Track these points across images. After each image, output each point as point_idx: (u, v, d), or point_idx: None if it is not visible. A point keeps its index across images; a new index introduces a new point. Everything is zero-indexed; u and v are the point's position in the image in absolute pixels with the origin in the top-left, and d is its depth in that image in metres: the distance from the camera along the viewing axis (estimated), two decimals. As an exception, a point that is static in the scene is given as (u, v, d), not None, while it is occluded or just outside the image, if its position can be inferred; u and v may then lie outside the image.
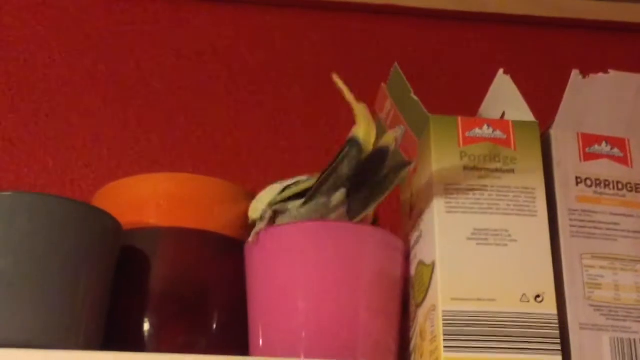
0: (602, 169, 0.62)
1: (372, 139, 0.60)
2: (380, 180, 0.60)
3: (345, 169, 0.60)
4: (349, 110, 0.96)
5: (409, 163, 0.61)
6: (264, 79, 0.99)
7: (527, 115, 0.63)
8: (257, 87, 0.99)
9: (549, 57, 1.04)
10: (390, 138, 0.60)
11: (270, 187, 0.65)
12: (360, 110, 0.60)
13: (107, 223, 0.61)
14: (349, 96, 0.60)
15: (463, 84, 1.00)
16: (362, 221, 0.62)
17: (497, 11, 1.02)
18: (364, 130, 0.60)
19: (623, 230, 0.60)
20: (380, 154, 0.60)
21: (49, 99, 0.94)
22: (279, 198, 0.63)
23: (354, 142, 0.60)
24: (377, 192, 0.61)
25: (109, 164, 0.92)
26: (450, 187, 0.60)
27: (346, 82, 0.98)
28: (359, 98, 0.62)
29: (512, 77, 0.66)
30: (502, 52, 1.03)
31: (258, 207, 0.63)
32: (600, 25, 1.04)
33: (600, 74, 0.63)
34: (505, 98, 0.66)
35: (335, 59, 1.01)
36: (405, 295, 0.63)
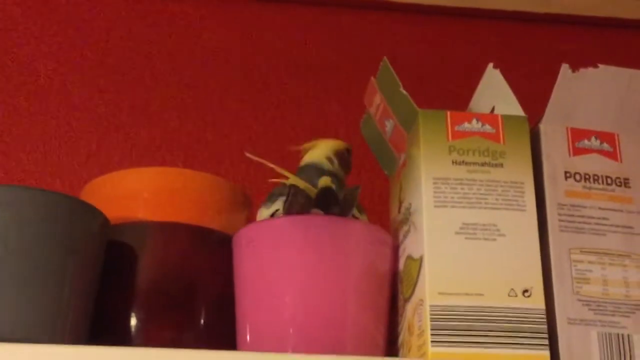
0: (592, 163, 0.62)
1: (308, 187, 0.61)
2: (341, 202, 0.61)
3: (296, 208, 0.61)
4: (341, 106, 0.96)
5: (358, 187, 0.62)
6: (255, 74, 0.99)
7: (517, 110, 0.62)
8: (248, 83, 0.98)
9: (539, 52, 1.03)
10: (327, 182, 0.61)
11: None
12: (291, 177, 0.61)
13: (94, 217, 0.60)
14: (282, 172, 0.61)
15: (453, 79, 1.00)
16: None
17: (487, 7, 1.02)
18: (300, 183, 0.62)
19: (612, 225, 0.60)
20: (326, 191, 0.61)
21: (38, 93, 0.94)
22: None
23: (297, 188, 0.61)
24: (345, 208, 0.61)
25: (98, 159, 0.92)
26: (438, 182, 0.59)
27: (338, 77, 0.99)
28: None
29: (502, 72, 0.66)
30: (492, 47, 1.03)
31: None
32: (590, 21, 1.05)
33: (590, 68, 0.63)
34: (494, 92, 0.66)
35: (326, 53, 1.01)
36: (393, 290, 0.63)
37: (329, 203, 0.61)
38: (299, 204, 0.61)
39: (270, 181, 0.62)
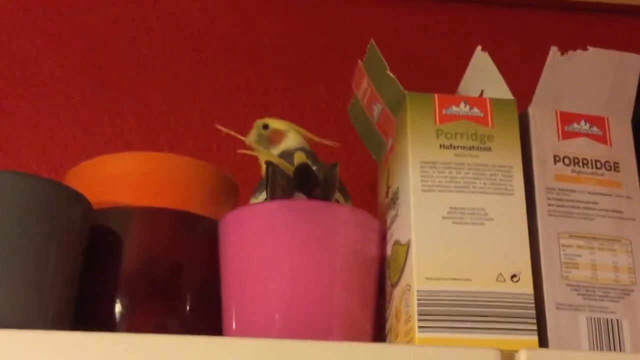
0: (581, 147, 0.61)
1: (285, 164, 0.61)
2: (321, 182, 0.60)
3: (278, 192, 0.60)
4: (329, 90, 0.96)
5: (336, 164, 0.61)
6: (243, 60, 0.98)
7: (505, 93, 0.62)
8: (235, 68, 0.98)
9: (528, 37, 1.03)
10: (302, 157, 0.60)
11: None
12: (264, 152, 0.60)
13: (77, 202, 0.59)
14: (256, 147, 0.60)
15: (441, 63, 0.99)
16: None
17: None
18: (274, 159, 0.61)
19: (601, 210, 0.60)
20: (304, 167, 0.60)
21: (22, 78, 0.93)
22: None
23: (274, 166, 0.60)
24: (327, 190, 0.60)
25: (84, 145, 0.91)
26: (426, 165, 0.59)
27: (325, 61, 0.98)
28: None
29: (491, 56, 0.65)
30: (480, 30, 1.02)
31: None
32: (580, 6, 1.04)
33: (579, 51, 0.62)
34: (483, 76, 0.65)
35: (313, 38, 1.00)
36: (381, 276, 0.62)
37: (310, 182, 0.60)
38: (280, 186, 0.60)
39: (239, 151, 0.61)
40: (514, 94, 0.62)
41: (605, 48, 0.64)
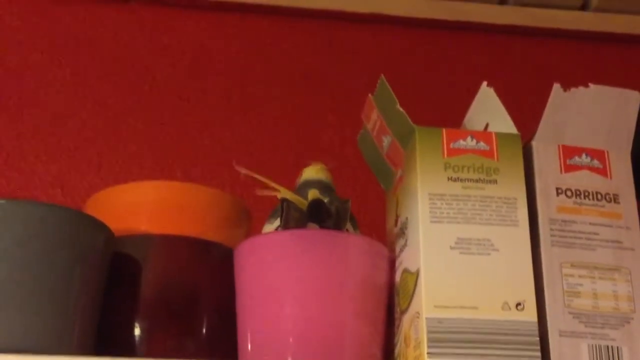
0: (582, 180, 0.64)
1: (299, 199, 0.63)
2: (334, 215, 0.63)
3: (292, 224, 0.63)
4: (337, 119, 0.98)
5: (348, 200, 0.64)
6: (254, 87, 1.00)
7: (510, 128, 0.64)
8: (247, 96, 1.00)
9: (532, 67, 1.05)
10: (316, 194, 0.63)
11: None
12: (281, 190, 0.63)
13: (99, 231, 0.62)
14: (273, 185, 0.62)
15: (447, 93, 1.01)
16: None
17: (481, 20, 1.04)
18: (290, 195, 0.63)
19: (602, 240, 0.62)
20: (316, 202, 0.62)
21: (41, 104, 0.95)
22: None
23: (288, 202, 0.63)
24: (339, 221, 0.63)
25: (99, 171, 0.93)
26: (434, 197, 0.61)
27: (334, 90, 1.00)
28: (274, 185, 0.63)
29: (496, 87, 0.67)
30: (486, 62, 1.04)
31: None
32: (584, 35, 1.06)
33: (581, 88, 0.65)
34: (488, 110, 0.67)
35: (323, 66, 1.02)
36: (390, 302, 0.65)
37: (322, 216, 0.62)
38: (294, 219, 0.62)
39: (257, 192, 0.63)
40: (517, 127, 0.64)
41: (608, 76, 0.66)
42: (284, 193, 0.62)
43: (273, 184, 0.62)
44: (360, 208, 0.88)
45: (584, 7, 1.07)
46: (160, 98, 0.98)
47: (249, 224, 0.73)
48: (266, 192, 0.62)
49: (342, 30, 1.04)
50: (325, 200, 0.63)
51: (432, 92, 1.02)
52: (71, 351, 0.58)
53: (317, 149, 0.97)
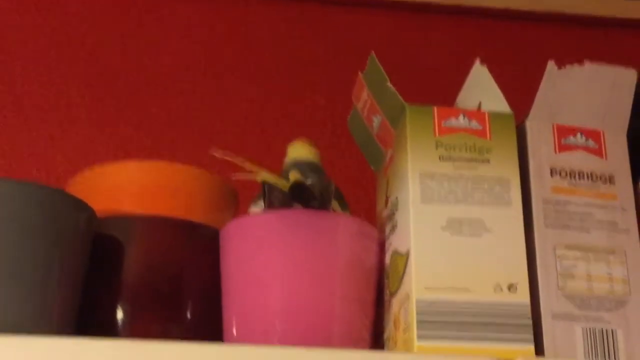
0: (577, 160, 0.62)
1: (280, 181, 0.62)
2: (318, 197, 0.61)
3: (276, 205, 0.61)
4: (327, 101, 0.97)
5: (330, 182, 0.63)
6: (242, 69, 0.99)
7: (503, 107, 0.63)
8: (236, 77, 0.99)
9: (526, 50, 1.04)
10: (296, 176, 0.61)
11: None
12: (261, 172, 0.61)
13: (81, 210, 0.60)
14: (252, 167, 0.61)
15: (440, 75, 1.00)
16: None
17: (475, 4, 1.03)
18: (270, 177, 0.61)
19: (596, 221, 0.61)
20: (298, 184, 0.61)
21: (25, 87, 0.94)
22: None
23: (269, 184, 0.61)
24: (323, 203, 0.61)
25: (84, 152, 0.92)
26: (425, 177, 0.60)
27: (324, 71, 0.99)
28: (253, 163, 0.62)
29: (489, 69, 0.66)
30: (478, 43, 1.03)
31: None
32: (576, 19, 1.05)
33: (576, 66, 0.63)
34: (481, 89, 0.66)
35: (313, 48, 1.01)
36: (379, 284, 0.63)
37: (306, 197, 0.61)
38: (278, 200, 0.61)
39: (234, 175, 0.62)
40: (511, 106, 0.63)
41: (602, 61, 0.65)
42: (263, 176, 0.61)
43: (252, 166, 0.60)
44: (351, 191, 0.87)
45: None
46: (149, 80, 0.96)
47: (236, 206, 0.72)
48: (244, 176, 0.61)
49: (333, 12, 1.03)
50: (308, 181, 0.61)
51: (424, 74, 1.01)
52: (50, 331, 0.56)
53: (307, 132, 0.96)
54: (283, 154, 0.95)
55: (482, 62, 0.67)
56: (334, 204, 0.63)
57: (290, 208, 0.61)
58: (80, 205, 0.60)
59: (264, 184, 0.61)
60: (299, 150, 0.66)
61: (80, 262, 0.60)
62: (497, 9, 1.03)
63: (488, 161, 0.61)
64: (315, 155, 0.66)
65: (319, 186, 0.62)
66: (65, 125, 0.93)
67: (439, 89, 0.93)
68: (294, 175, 0.60)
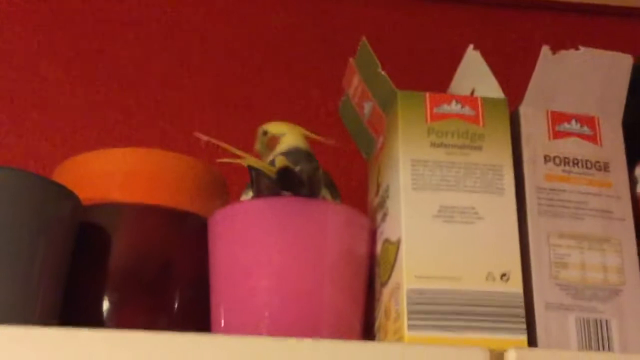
0: (571, 147, 0.61)
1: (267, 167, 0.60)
2: (306, 183, 0.60)
3: (265, 192, 0.60)
4: (320, 89, 0.96)
5: (318, 167, 0.61)
6: (233, 59, 0.98)
7: (497, 92, 0.62)
8: (227, 66, 0.97)
9: (520, 36, 1.03)
10: (283, 161, 0.59)
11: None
12: (247, 158, 0.60)
13: (65, 198, 0.59)
14: (238, 152, 0.59)
15: (433, 62, 0.99)
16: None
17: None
18: (256, 162, 0.60)
19: (591, 209, 0.60)
20: (285, 170, 0.59)
21: (12, 73, 0.93)
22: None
23: (257, 170, 0.60)
24: (312, 190, 0.60)
25: (72, 140, 0.91)
26: (417, 164, 0.59)
27: (316, 59, 0.98)
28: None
29: (483, 55, 0.65)
30: (472, 30, 1.02)
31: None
32: (572, 7, 1.04)
33: (571, 51, 0.62)
34: (475, 74, 0.65)
35: (305, 36, 1.00)
36: (370, 274, 0.62)
37: (294, 184, 0.60)
38: (266, 187, 0.60)
39: (220, 160, 0.60)
40: (505, 93, 0.62)
41: (597, 48, 0.64)
42: (249, 161, 0.60)
43: (238, 152, 0.59)
44: (343, 179, 0.86)
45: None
46: (137, 68, 0.95)
47: (226, 194, 0.70)
48: (230, 160, 0.59)
49: (327, 1, 1.01)
50: (297, 168, 0.60)
51: (417, 62, 1.00)
52: (34, 322, 0.55)
53: (299, 119, 0.95)
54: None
55: (476, 47, 0.66)
56: (324, 191, 0.62)
57: (279, 195, 0.60)
58: (64, 193, 0.59)
59: (252, 170, 0.60)
60: (290, 138, 0.65)
61: (65, 251, 0.59)
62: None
63: (480, 148, 0.59)
64: (306, 143, 0.65)
65: (307, 173, 0.60)
66: (52, 112, 0.92)
67: (432, 75, 0.92)
68: (280, 161, 0.59)
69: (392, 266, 0.58)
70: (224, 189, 0.70)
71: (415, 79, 0.97)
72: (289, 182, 0.59)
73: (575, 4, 1.03)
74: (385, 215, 0.61)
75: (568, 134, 0.61)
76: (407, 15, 1.03)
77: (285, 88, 0.97)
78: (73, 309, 0.61)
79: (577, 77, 0.62)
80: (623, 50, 0.68)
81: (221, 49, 0.98)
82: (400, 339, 0.55)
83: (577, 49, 0.62)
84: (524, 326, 0.55)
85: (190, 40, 0.97)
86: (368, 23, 1.01)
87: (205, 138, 0.60)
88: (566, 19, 1.04)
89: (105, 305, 0.61)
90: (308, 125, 0.83)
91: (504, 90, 0.62)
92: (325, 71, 0.97)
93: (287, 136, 0.65)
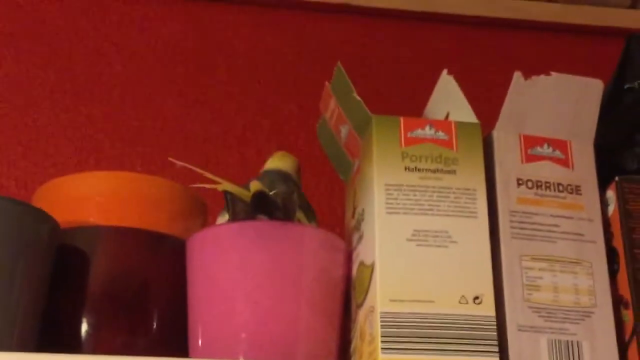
0: (543, 170, 0.62)
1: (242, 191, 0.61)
2: (281, 207, 0.61)
3: (241, 215, 0.61)
4: (299, 109, 0.96)
5: (293, 191, 0.61)
6: (214, 77, 0.98)
7: (470, 117, 0.62)
8: (207, 86, 0.98)
9: (498, 58, 1.04)
10: (257, 186, 0.60)
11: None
12: (222, 182, 0.61)
13: (42, 221, 0.60)
14: (213, 177, 0.60)
15: (410, 84, 1.00)
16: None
17: (447, 11, 1.03)
18: (231, 187, 0.61)
19: (562, 232, 0.60)
20: (259, 194, 0.60)
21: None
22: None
23: (232, 194, 0.61)
24: (287, 213, 0.61)
25: (54, 162, 0.91)
26: (391, 188, 0.59)
27: (296, 80, 0.98)
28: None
29: (458, 77, 0.66)
30: (448, 52, 1.03)
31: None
32: (544, 26, 1.05)
33: (542, 76, 0.63)
34: (449, 99, 0.66)
35: (285, 57, 1.00)
36: (346, 296, 0.63)
37: (268, 207, 0.60)
38: (242, 211, 0.60)
39: (193, 187, 0.61)
40: (478, 116, 0.63)
41: (571, 68, 0.65)
42: (225, 185, 0.60)
43: (213, 177, 0.60)
44: (321, 201, 0.86)
45: (553, -1, 1.06)
46: (118, 91, 0.96)
47: (205, 217, 0.71)
48: (205, 185, 0.60)
49: (304, 20, 1.02)
50: (274, 191, 0.61)
51: (395, 83, 1.01)
52: (11, 347, 0.55)
53: (278, 140, 0.95)
54: (256, 161, 0.94)
55: (451, 71, 0.67)
56: (299, 214, 0.63)
57: (254, 219, 0.61)
58: (42, 217, 0.60)
59: (227, 194, 0.61)
60: (273, 161, 0.66)
61: (43, 275, 0.59)
62: (463, 16, 1.03)
63: (454, 172, 0.60)
64: (289, 165, 0.65)
65: (282, 196, 0.61)
66: (34, 134, 0.92)
67: (408, 98, 0.93)
68: (255, 186, 0.60)
69: (367, 289, 0.59)
70: (203, 211, 0.70)
71: (390, 100, 0.98)
72: (263, 206, 0.60)
73: (547, 23, 1.05)
74: (360, 238, 0.62)
75: (540, 157, 0.62)
76: (384, 33, 1.04)
77: (265, 106, 0.98)
78: (51, 331, 0.61)
79: (549, 102, 0.63)
80: (596, 67, 0.69)
81: (201, 68, 0.98)
82: (374, 361, 0.56)
83: (548, 74, 0.63)
84: (497, 349, 0.56)
85: (173, 62, 0.98)
86: (346, 41, 1.02)
87: (179, 163, 0.61)
88: (539, 39, 1.05)
89: (84, 327, 0.61)
90: (286, 143, 0.83)
91: (477, 113, 0.63)
92: (304, 89, 0.98)
93: (271, 159, 0.66)
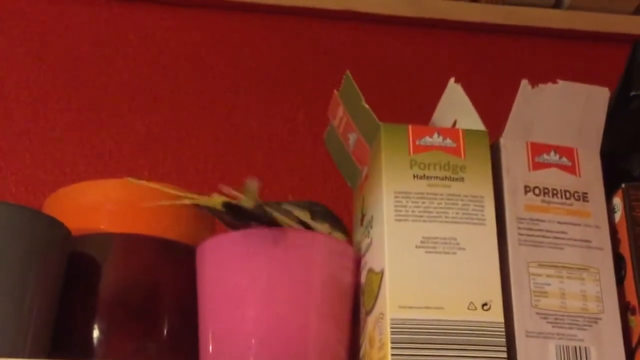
0: (551, 178, 0.62)
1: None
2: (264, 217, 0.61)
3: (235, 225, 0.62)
4: (307, 117, 0.97)
5: (261, 204, 0.61)
6: (222, 84, 0.99)
7: (477, 124, 0.63)
8: (215, 93, 0.99)
9: (504, 65, 1.04)
10: (220, 199, 0.60)
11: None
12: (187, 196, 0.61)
13: (55, 229, 0.60)
14: (178, 193, 0.60)
15: (417, 91, 1.00)
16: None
17: (453, 18, 1.03)
18: (199, 200, 0.61)
19: (570, 239, 0.61)
20: (228, 205, 0.60)
21: (3, 101, 0.94)
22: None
23: (210, 209, 0.61)
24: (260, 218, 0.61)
25: (64, 169, 0.92)
26: (399, 195, 0.60)
27: (304, 88, 0.99)
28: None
29: (465, 85, 0.66)
30: (455, 59, 1.04)
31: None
32: (556, 33, 1.06)
33: (549, 84, 0.63)
34: (456, 107, 0.66)
35: (292, 64, 1.01)
36: (355, 303, 0.63)
37: (242, 216, 0.60)
38: (231, 222, 0.61)
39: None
40: (485, 124, 0.63)
41: (578, 74, 0.65)
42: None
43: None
44: (330, 208, 0.87)
45: (557, 5, 1.06)
46: (127, 98, 0.96)
47: (214, 224, 0.71)
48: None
49: (312, 27, 1.03)
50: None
51: (402, 91, 1.01)
52: (25, 354, 0.56)
53: (287, 148, 0.96)
54: (265, 169, 0.95)
55: (458, 78, 0.67)
56: (323, 226, 0.63)
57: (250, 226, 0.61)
58: (54, 224, 0.60)
59: (203, 209, 0.61)
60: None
61: (55, 282, 0.60)
62: (471, 23, 1.03)
63: (462, 179, 0.61)
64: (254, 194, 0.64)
65: (255, 206, 0.61)
66: (45, 141, 0.93)
67: (416, 105, 0.94)
68: (218, 199, 0.60)
69: (376, 296, 0.59)
70: (212, 217, 0.71)
71: (400, 106, 0.98)
72: (239, 216, 0.60)
73: (554, 30, 1.05)
74: (369, 245, 0.62)
75: (547, 165, 0.63)
76: (391, 40, 1.04)
77: (272, 114, 0.98)
78: (63, 338, 0.61)
79: (555, 110, 0.64)
80: (602, 73, 0.70)
81: (208, 76, 0.99)
82: (384, 367, 0.56)
83: (555, 82, 0.64)
84: (505, 355, 0.57)
85: (182, 69, 0.99)
86: (354, 48, 1.03)
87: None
88: (546, 46, 1.06)
89: (96, 333, 0.62)
90: (294, 152, 0.84)
91: (484, 121, 0.64)
92: (312, 97, 0.99)
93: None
